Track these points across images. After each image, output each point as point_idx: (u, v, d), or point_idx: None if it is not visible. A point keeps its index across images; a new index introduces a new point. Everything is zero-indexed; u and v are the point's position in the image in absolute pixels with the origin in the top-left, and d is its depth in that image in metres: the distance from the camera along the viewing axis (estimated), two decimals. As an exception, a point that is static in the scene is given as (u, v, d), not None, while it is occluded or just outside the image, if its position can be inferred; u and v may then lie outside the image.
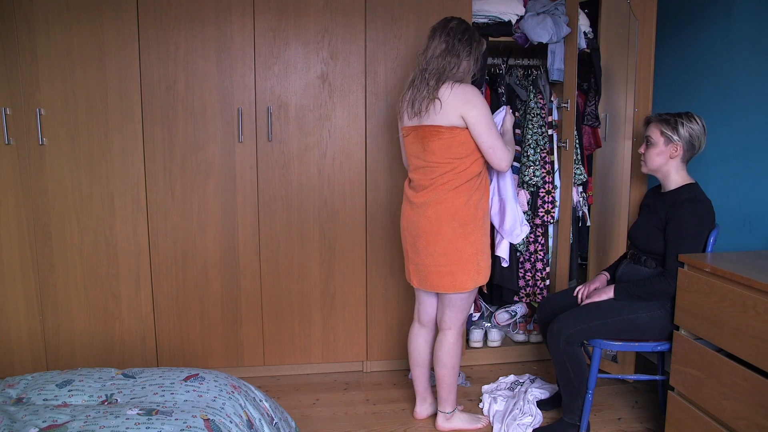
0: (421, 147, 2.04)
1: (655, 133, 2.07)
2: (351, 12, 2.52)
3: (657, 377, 2.23)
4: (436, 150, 2.00)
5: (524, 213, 2.77)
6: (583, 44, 2.66)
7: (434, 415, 2.32)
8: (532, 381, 2.57)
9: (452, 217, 2.01)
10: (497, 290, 2.86)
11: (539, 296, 2.86)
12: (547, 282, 2.85)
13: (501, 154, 2.00)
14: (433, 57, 1.99)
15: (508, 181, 2.23)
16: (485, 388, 2.57)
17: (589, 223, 2.81)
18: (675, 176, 2.08)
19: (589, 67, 2.70)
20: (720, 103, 2.42)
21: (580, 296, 2.22)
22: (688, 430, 1.84)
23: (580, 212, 2.81)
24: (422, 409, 2.34)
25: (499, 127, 2.23)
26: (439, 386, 2.22)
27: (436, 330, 2.24)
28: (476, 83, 2.59)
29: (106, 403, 1.59)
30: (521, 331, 3.04)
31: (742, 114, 2.31)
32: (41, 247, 2.46)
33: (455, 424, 2.25)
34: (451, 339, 2.16)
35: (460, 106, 1.94)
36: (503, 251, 2.41)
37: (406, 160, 2.23)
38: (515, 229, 2.28)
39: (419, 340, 2.28)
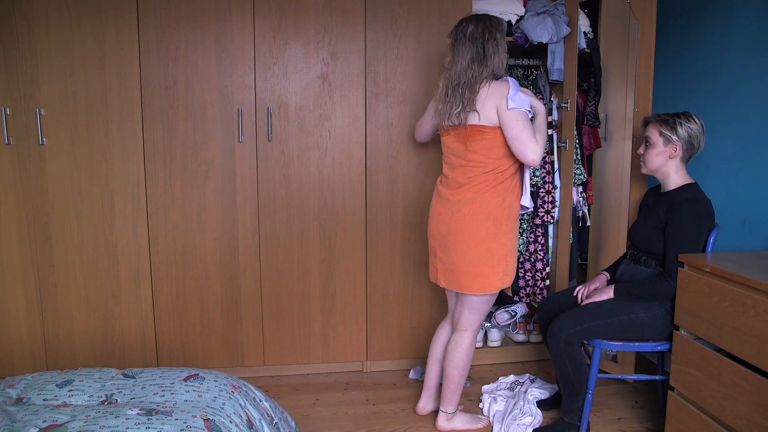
0: (463, 146, 2.02)
1: (653, 134, 2.07)
2: (351, 12, 2.52)
3: (657, 377, 2.23)
4: (480, 149, 1.99)
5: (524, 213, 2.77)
6: (583, 44, 2.66)
7: (435, 412, 2.32)
8: (532, 381, 2.58)
9: (487, 217, 2.01)
10: (497, 290, 2.86)
11: (539, 296, 2.86)
12: (547, 282, 2.85)
13: (529, 144, 1.91)
14: (462, 71, 1.98)
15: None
16: (485, 388, 2.57)
17: (589, 223, 2.81)
18: (675, 176, 2.08)
19: (589, 67, 2.70)
20: (720, 103, 2.42)
21: (580, 296, 2.22)
22: (688, 430, 1.85)
23: (580, 212, 2.81)
24: (426, 404, 2.34)
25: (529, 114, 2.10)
26: (446, 386, 2.21)
27: None
28: None
29: (106, 403, 1.59)
30: (521, 331, 3.04)
31: (741, 114, 2.31)
32: (41, 247, 2.46)
33: (455, 424, 2.25)
34: (467, 340, 2.15)
35: (496, 100, 1.94)
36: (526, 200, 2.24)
37: (422, 134, 2.28)
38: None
39: (445, 338, 2.28)
